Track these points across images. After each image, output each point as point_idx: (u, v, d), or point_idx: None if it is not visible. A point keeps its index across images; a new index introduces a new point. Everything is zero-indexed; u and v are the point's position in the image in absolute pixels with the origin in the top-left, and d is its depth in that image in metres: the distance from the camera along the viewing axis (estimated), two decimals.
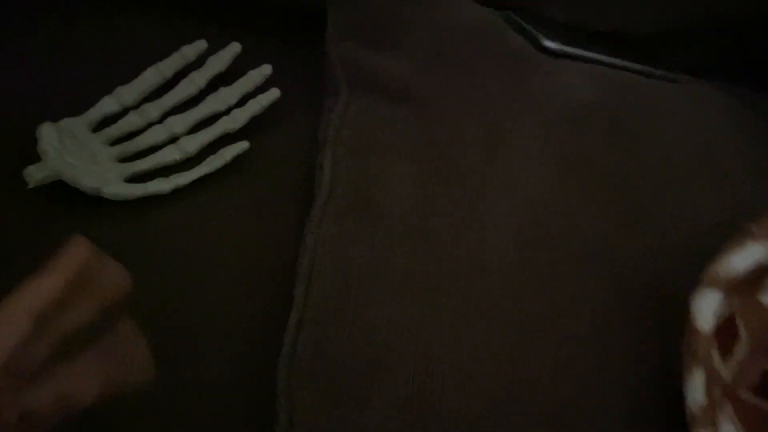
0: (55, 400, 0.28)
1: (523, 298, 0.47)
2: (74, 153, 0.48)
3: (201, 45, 0.54)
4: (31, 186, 0.46)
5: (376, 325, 0.45)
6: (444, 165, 0.51)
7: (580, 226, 0.50)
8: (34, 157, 0.47)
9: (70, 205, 0.47)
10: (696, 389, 0.42)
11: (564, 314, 0.47)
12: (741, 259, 0.45)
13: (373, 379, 0.43)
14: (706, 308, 0.44)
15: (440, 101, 0.54)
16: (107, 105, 0.51)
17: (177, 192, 0.50)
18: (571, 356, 0.45)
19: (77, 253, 0.29)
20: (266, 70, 0.54)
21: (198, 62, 0.53)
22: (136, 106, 0.52)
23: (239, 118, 0.53)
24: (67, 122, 0.49)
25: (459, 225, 0.49)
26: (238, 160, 0.51)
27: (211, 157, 0.51)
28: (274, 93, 0.53)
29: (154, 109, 0.52)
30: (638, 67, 0.60)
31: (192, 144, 0.51)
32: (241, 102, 0.52)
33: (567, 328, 0.47)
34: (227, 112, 0.52)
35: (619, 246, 0.50)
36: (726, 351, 0.43)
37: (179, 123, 0.52)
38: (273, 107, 0.53)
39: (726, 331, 0.43)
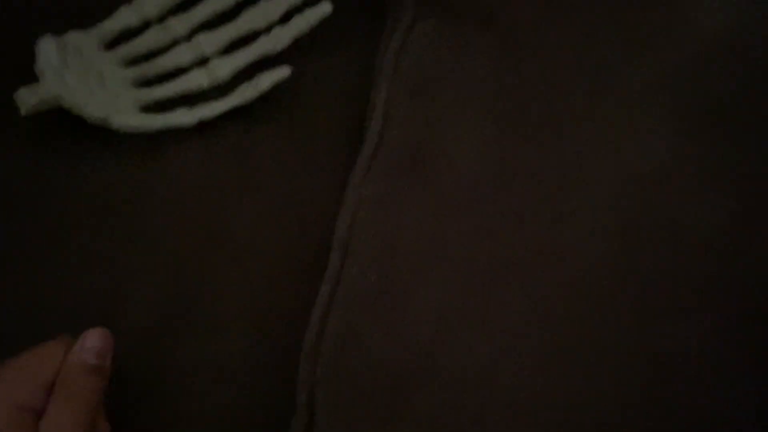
0: None
1: (616, 311, 0.37)
2: (79, 74, 0.42)
3: None
4: (23, 113, 0.41)
5: (421, 319, 0.37)
6: (529, 117, 0.41)
7: (703, 217, 0.38)
8: (32, 78, 0.42)
9: (72, 138, 0.42)
10: None
11: (674, 343, 0.36)
12: None
13: (409, 390, 0.36)
14: None
15: (533, 30, 0.43)
16: (124, 16, 0.45)
17: (202, 126, 0.43)
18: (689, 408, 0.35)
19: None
20: None
21: None
22: (160, 20, 0.45)
23: (281, 37, 0.45)
24: (73, 36, 0.43)
25: (541, 201, 0.39)
26: (276, 90, 0.44)
27: (245, 85, 0.44)
28: (325, 8, 0.45)
29: (180, 24, 0.45)
30: None
31: (223, 68, 0.45)
32: (285, 18, 0.45)
33: (678, 367, 0.36)
34: (267, 30, 0.46)
35: (757, 247, 0.37)
36: None
37: (209, 42, 0.45)
38: (322, 26, 0.45)
39: None
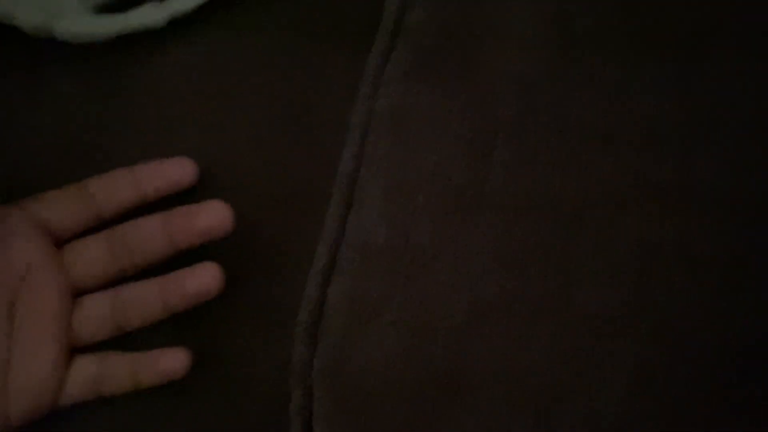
0: None
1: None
2: None
3: None
4: None
5: (451, 299, 0.28)
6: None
7: None
8: None
9: (4, 54, 0.37)
10: None
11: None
12: None
13: (437, 404, 0.27)
14: None
15: None
16: None
17: (174, 26, 0.37)
18: None
19: None
20: None
21: None
22: None
23: None
24: None
25: (625, 117, 0.27)
26: None
27: None
28: None
29: None
30: None
31: None
32: None
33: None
34: None
35: None
36: None
37: None
38: None
39: None
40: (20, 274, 0.32)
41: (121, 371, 0.32)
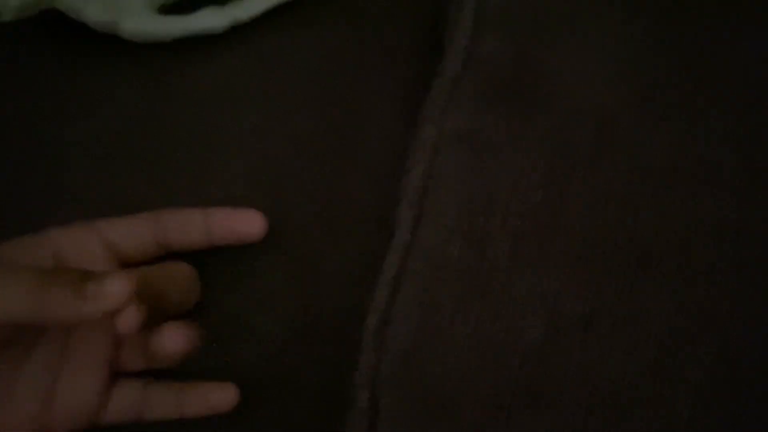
0: None
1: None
2: None
3: None
4: (6, 18, 0.35)
5: (526, 314, 0.29)
6: (689, 24, 0.31)
7: None
8: None
9: (70, 49, 0.38)
10: None
11: None
12: None
13: (508, 415, 0.28)
14: None
15: None
16: None
17: (234, 32, 0.38)
18: None
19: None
20: None
21: None
22: None
23: None
24: None
25: (707, 155, 0.29)
26: None
27: None
28: None
29: None
30: None
31: None
32: None
33: None
34: None
35: None
36: None
37: None
38: None
39: None
40: None
41: (167, 401, 0.32)
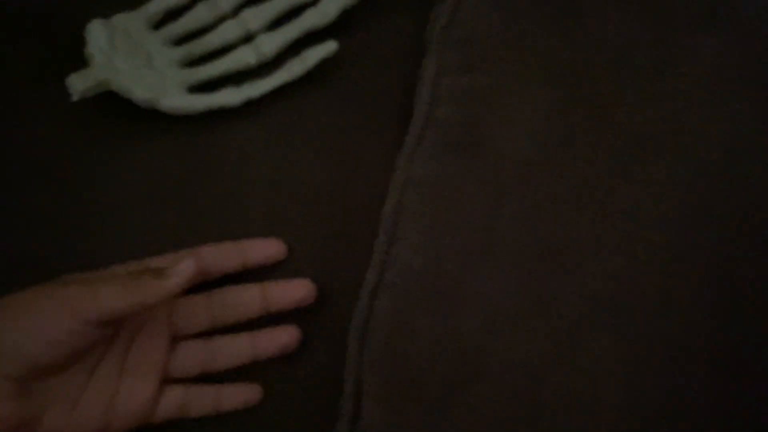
0: None
1: (682, 302, 0.34)
2: (127, 56, 0.42)
3: None
4: (74, 98, 0.40)
5: (472, 309, 0.35)
6: (588, 93, 0.37)
7: None
8: (82, 63, 0.41)
9: (122, 120, 0.42)
10: None
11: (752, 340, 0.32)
12: None
13: (459, 383, 0.34)
14: None
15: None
16: None
17: (249, 105, 0.42)
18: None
19: None
20: None
21: None
22: None
23: (328, 10, 0.43)
24: (120, 18, 0.43)
25: (601, 185, 0.36)
26: (323, 65, 0.42)
27: (292, 62, 0.43)
28: None
29: (225, 0, 0.44)
30: None
31: (269, 44, 0.43)
32: None
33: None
34: (314, 2, 0.44)
35: None
36: None
37: (255, 17, 0.43)
38: None
39: None
40: (143, 321, 0.36)
41: (206, 400, 0.36)
